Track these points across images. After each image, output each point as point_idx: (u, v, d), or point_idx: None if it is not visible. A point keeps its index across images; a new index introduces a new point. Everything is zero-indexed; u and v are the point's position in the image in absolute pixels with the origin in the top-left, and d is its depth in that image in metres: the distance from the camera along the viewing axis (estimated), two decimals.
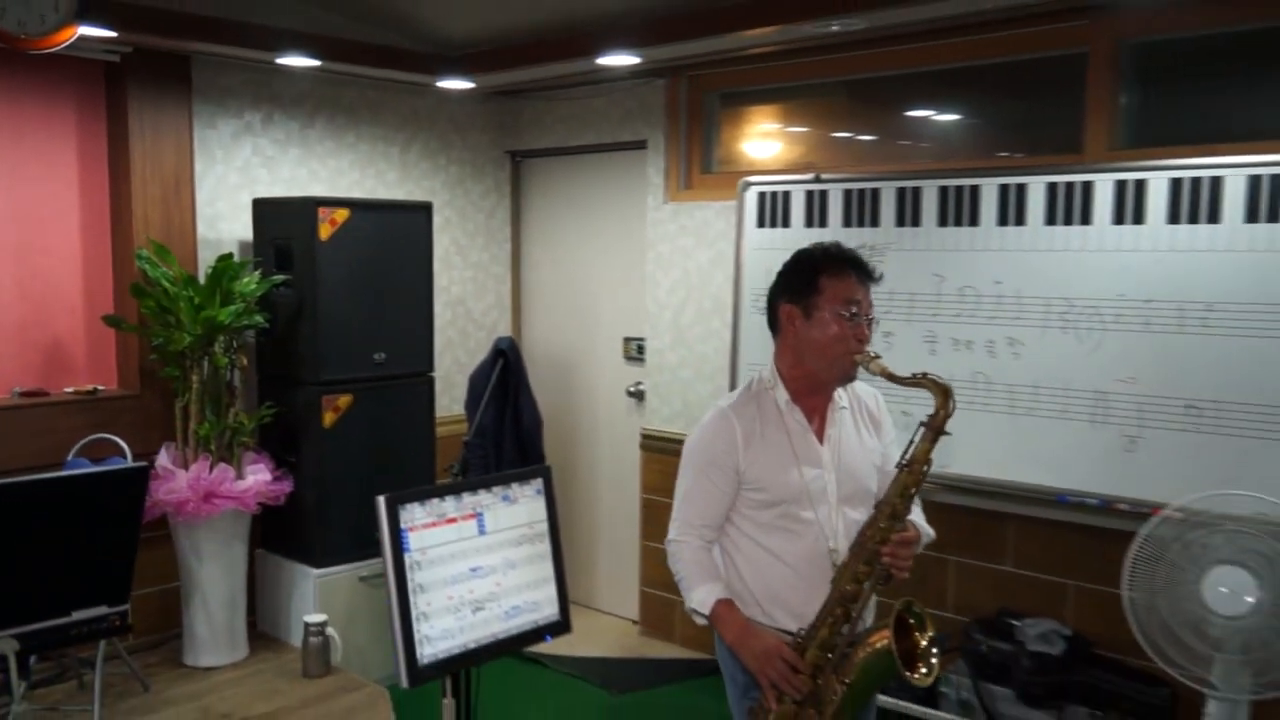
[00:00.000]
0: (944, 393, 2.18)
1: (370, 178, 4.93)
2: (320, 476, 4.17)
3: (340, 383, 4.19)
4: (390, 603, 2.39)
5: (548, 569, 2.78)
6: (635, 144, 4.88)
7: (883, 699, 3.88)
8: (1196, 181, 2.99)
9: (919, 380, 2.21)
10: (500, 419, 4.42)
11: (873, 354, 2.22)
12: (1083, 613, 3.62)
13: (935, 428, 2.18)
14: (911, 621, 2.21)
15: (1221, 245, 2.95)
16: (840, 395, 2.39)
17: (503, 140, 5.45)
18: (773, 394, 2.36)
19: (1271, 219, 2.87)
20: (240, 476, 3.98)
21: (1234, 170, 2.93)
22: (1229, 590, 2.64)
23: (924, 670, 2.17)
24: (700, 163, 4.73)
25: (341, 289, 4.15)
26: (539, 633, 2.76)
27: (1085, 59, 3.59)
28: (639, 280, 4.94)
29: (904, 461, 2.20)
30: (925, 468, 2.19)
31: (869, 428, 2.44)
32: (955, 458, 3.43)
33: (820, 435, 2.36)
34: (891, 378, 2.21)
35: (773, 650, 2.23)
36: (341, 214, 4.13)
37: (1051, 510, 3.57)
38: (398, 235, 4.34)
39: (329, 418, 4.16)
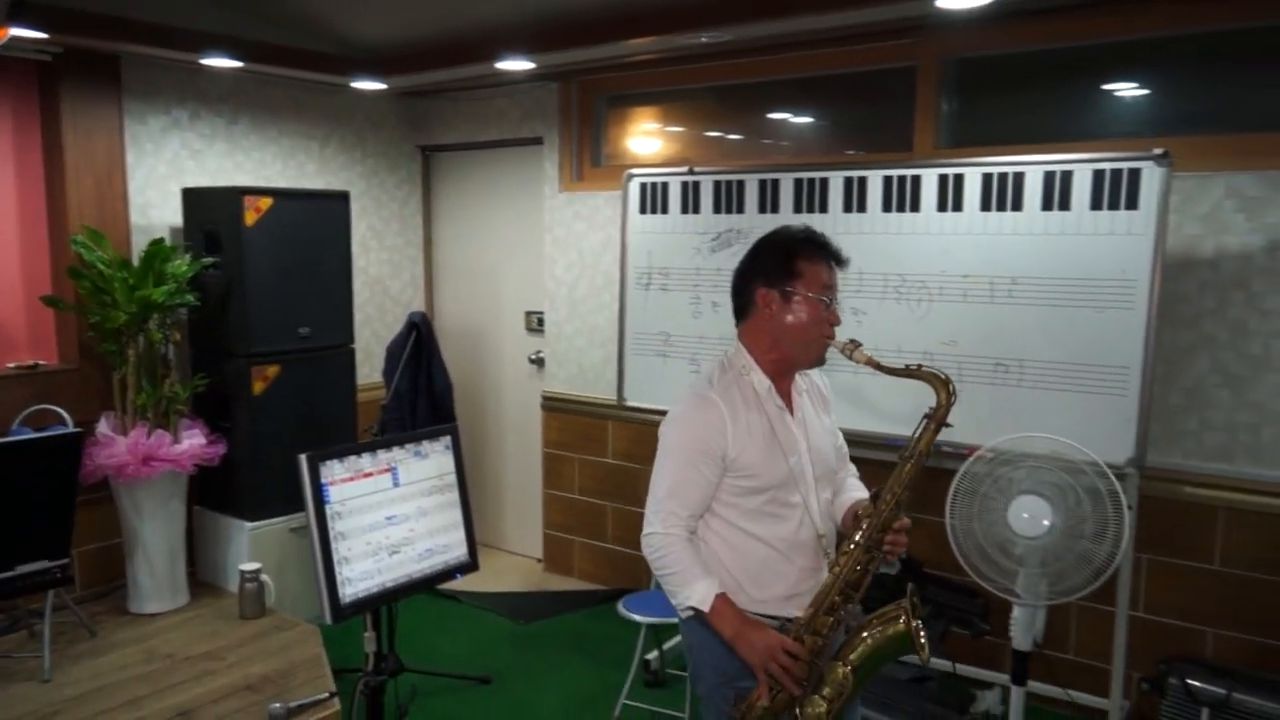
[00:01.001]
0: (944, 385, 1.98)
1: (292, 169, 4.77)
2: (251, 439, 4.05)
3: (268, 354, 4.07)
4: (313, 549, 2.36)
5: (457, 515, 2.78)
6: (533, 140, 4.83)
7: None
8: (1004, 176, 3.10)
9: (913, 372, 2.00)
10: (414, 384, 4.35)
11: (854, 343, 2.02)
12: (915, 539, 3.72)
13: (939, 420, 1.97)
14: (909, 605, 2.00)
15: (1023, 230, 3.07)
16: (797, 378, 2.16)
17: (414, 136, 5.33)
18: (750, 378, 2.07)
19: (1063, 207, 3.00)
20: (176, 441, 3.84)
21: (1033, 166, 3.04)
22: (1029, 516, 2.76)
23: (924, 646, 1.95)
24: (590, 157, 4.72)
25: (267, 270, 4.02)
26: (450, 572, 2.77)
27: (914, 71, 3.69)
28: (538, 260, 4.91)
29: (908, 453, 1.97)
30: (926, 458, 1.99)
31: (822, 408, 2.22)
32: None
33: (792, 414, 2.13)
34: (879, 368, 2.03)
35: (775, 645, 1.95)
36: (265, 202, 3.99)
37: (889, 454, 3.70)
38: (318, 221, 4.22)
39: (258, 386, 4.04)
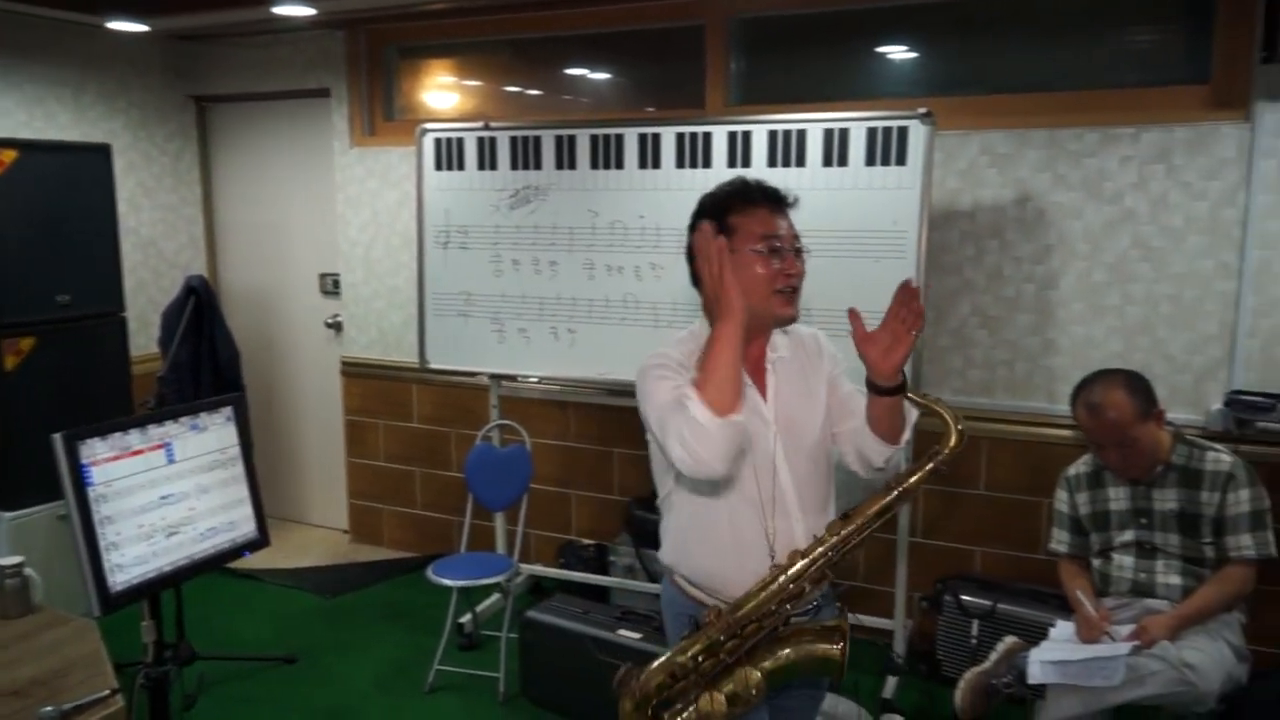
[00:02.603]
0: (956, 427, 1.77)
1: (40, 119, 4.28)
2: (5, 420, 3.65)
3: (20, 325, 3.66)
4: (75, 536, 2.17)
5: (242, 490, 2.63)
6: (319, 92, 4.56)
7: (566, 573, 4.03)
8: (788, 133, 3.20)
9: (931, 403, 1.79)
10: (196, 354, 4.07)
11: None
12: None
13: (942, 463, 1.77)
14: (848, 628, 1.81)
15: (806, 185, 3.18)
16: (778, 343, 1.92)
17: (185, 85, 4.91)
18: None
19: (841, 164, 3.14)
20: None
21: (814, 124, 3.16)
22: None
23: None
24: (382, 111, 4.52)
25: (14, 231, 3.60)
26: (238, 550, 2.62)
27: (703, 30, 3.75)
28: (331, 220, 4.68)
29: (896, 487, 1.76)
30: (910, 496, 1.81)
31: (814, 374, 1.94)
32: (613, 366, 3.56)
33: (762, 390, 1.88)
34: (905, 393, 1.79)
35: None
36: (8, 155, 3.56)
37: None
38: (75, 177, 3.81)
39: (10, 361, 3.63)
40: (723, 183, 1.92)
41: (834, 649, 1.75)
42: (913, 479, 1.76)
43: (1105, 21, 3.34)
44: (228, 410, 2.60)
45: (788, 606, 1.75)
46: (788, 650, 1.76)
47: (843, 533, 1.75)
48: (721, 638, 1.74)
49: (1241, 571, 2.51)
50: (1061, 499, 2.77)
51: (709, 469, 1.68)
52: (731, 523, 1.85)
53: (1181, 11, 3.32)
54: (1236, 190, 3.10)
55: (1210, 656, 2.39)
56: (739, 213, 1.85)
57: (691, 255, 1.89)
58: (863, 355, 1.77)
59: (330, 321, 4.81)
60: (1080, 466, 2.76)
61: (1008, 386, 3.46)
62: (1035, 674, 2.49)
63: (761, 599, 1.74)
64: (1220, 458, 2.56)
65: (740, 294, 1.72)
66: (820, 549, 1.75)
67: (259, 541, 2.64)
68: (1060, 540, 2.77)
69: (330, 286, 4.79)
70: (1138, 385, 2.60)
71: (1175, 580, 2.57)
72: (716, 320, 1.73)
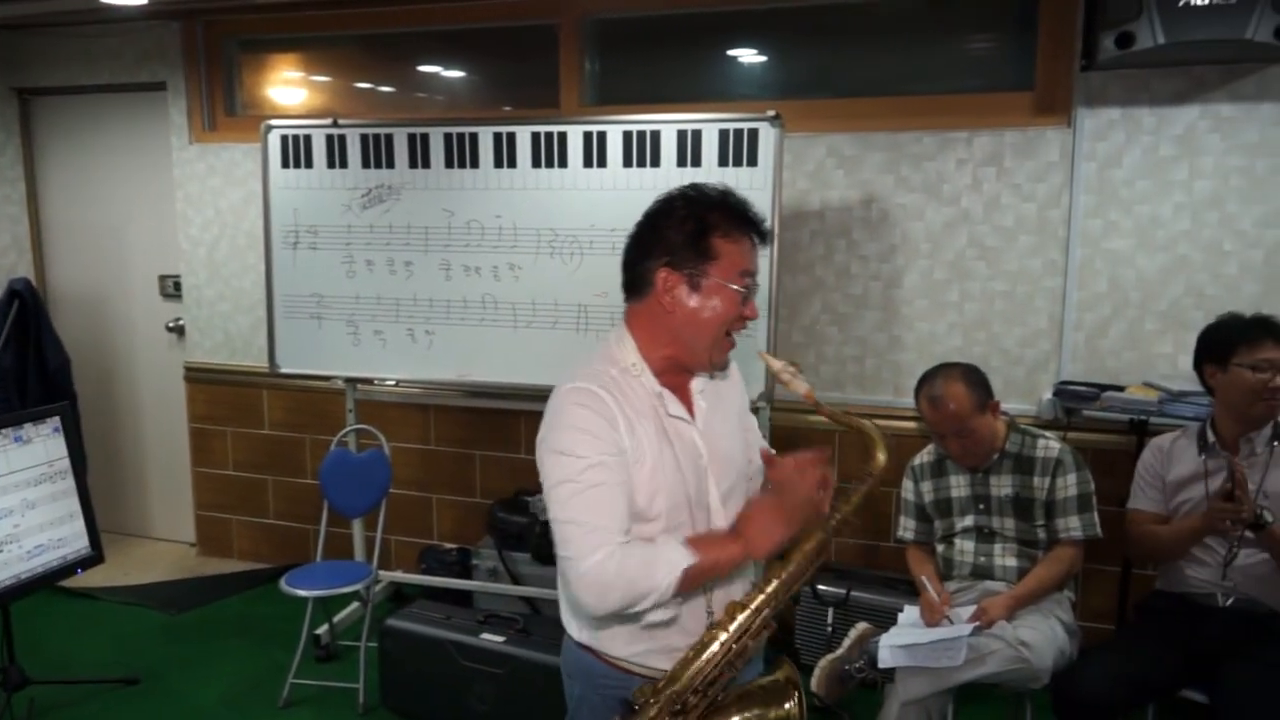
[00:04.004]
0: (884, 445, 1.67)
1: None
2: None
3: None
4: None
5: (73, 505, 2.47)
6: (155, 85, 4.31)
7: (427, 578, 3.95)
8: (642, 134, 3.21)
9: (855, 422, 1.69)
10: (22, 361, 3.78)
11: (794, 366, 1.68)
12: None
13: (875, 482, 1.68)
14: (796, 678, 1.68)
15: (662, 185, 3.05)
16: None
17: (6, 76, 4.55)
18: (641, 380, 1.62)
19: (695, 164, 3.18)
20: None
21: (668, 125, 3.19)
22: None
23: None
24: (224, 106, 4.31)
25: None
26: (70, 568, 2.46)
27: (557, 30, 3.74)
28: (171, 219, 4.42)
29: (833, 518, 1.64)
30: (847, 524, 1.68)
31: (731, 402, 1.76)
32: (472, 368, 3.50)
33: (691, 415, 1.67)
34: (819, 408, 1.69)
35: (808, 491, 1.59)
36: None
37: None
38: None
39: None
40: (705, 187, 1.64)
41: (788, 708, 1.58)
42: (847, 508, 1.66)
43: (942, 30, 3.51)
44: (55, 421, 2.44)
45: (734, 667, 1.56)
46: (740, 716, 1.58)
47: (783, 575, 1.59)
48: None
49: (1070, 552, 2.67)
50: (908, 488, 2.89)
51: (606, 610, 1.51)
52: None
53: (1009, 22, 3.52)
54: (1061, 191, 3.31)
55: (1043, 634, 2.53)
56: (727, 236, 1.59)
57: (630, 259, 1.64)
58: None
59: (172, 325, 4.55)
60: (925, 456, 2.88)
61: (857, 381, 3.59)
62: (885, 658, 2.57)
63: (701, 664, 1.54)
64: (1050, 444, 2.72)
65: (790, 532, 1.56)
66: (760, 598, 1.58)
67: (92, 558, 2.49)
68: (907, 528, 2.89)
69: (171, 289, 4.54)
70: (975, 378, 2.73)
71: (1012, 562, 2.72)
72: (739, 539, 1.55)
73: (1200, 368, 2.60)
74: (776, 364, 1.67)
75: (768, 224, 1.66)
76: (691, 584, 1.53)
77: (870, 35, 3.61)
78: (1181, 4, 2.81)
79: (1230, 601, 2.52)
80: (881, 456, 1.66)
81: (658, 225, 1.61)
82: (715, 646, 1.55)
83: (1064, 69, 3.28)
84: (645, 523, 1.57)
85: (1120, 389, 3.19)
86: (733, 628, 1.56)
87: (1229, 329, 2.53)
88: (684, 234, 1.58)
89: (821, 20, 3.63)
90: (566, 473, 1.52)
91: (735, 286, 1.58)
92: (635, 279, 1.64)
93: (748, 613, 1.57)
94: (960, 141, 3.38)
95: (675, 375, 1.66)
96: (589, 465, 1.51)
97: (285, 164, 3.62)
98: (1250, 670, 2.36)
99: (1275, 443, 2.51)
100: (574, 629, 1.70)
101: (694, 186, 1.64)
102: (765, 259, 3.10)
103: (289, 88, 4.37)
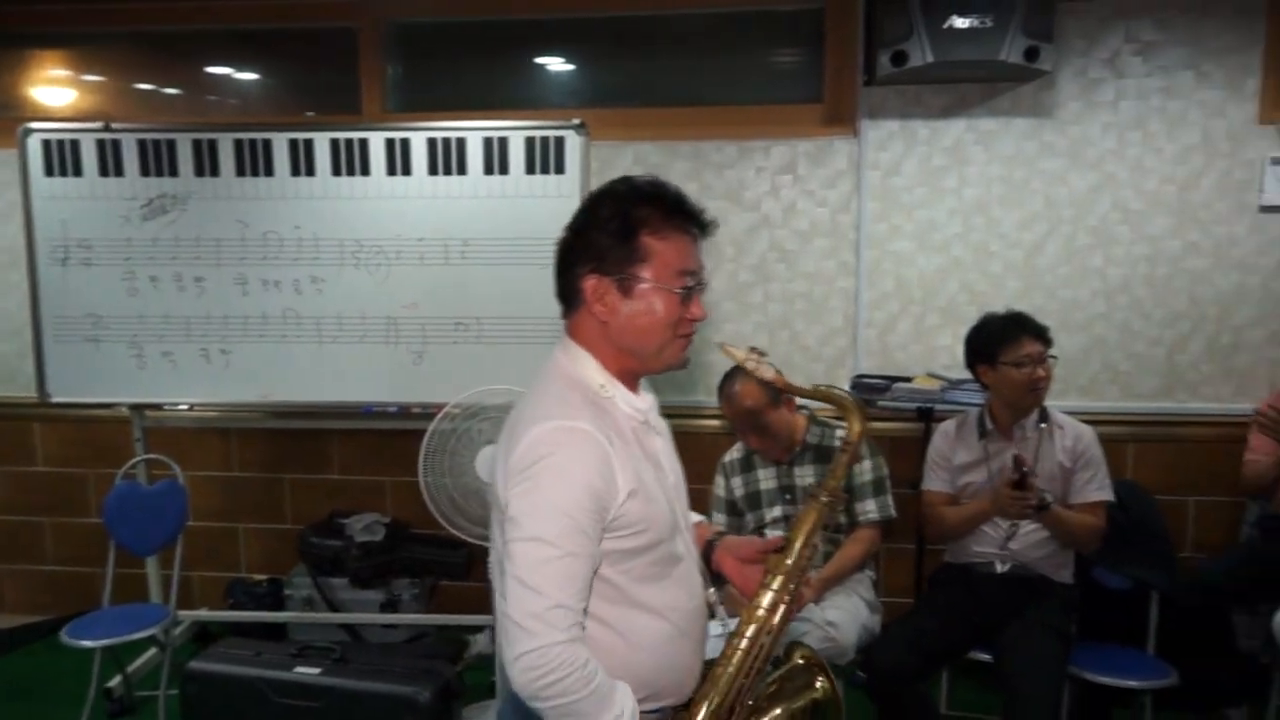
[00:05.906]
0: (858, 412, 1.63)
1: None
2: None
3: None
4: None
5: None
6: None
7: (235, 614, 3.69)
8: (448, 141, 3.15)
9: (824, 394, 1.65)
10: None
11: (759, 352, 1.57)
12: (399, 501, 3.77)
13: (853, 451, 1.63)
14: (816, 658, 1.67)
15: (469, 193, 3.16)
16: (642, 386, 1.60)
17: None
18: (614, 396, 1.50)
19: (503, 172, 3.14)
20: None
21: (474, 132, 3.14)
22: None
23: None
24: None
25: None
26: None
27: (357, 33, 3.60)
28: None
29: (822, 495, 1.59)
30: (839, 497, 1.64)
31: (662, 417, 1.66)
32: (275, 387, 3.31)
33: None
34: (789, 388, 1.65)
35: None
36: None
37: (362, 421, 3.66)
38: None
39: None
40: (633, 179, 1.48)
41: (820, 687, 1.56)
42: (834, 480, 1.63)
43: (742, 44, 3.65)
44: None
45: (768, 668, 1.53)
46: (777, 712, 1.54)
47: (788, 563, 1.55)
48: None
49: (869, 533, 2.84)
50: (719, 484, 2.97)
51: (531, 692, 1.35)
52: (683, 603, 1.53)
53: (801, 37, 3.70)
54: (850, 198, 3.52)
55: (848, 612, 2.68)
56: (656, 233, 1.44)
57: (558, 268, 1.51)
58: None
59: None
60: (734, 453, 2.98)
61: (673, 382, 3.65)
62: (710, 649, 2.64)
63: (730, 676, 1.49)
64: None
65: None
66: (773, 590, 1.54)
67: None
68: (717, 523, 2.97)
69: None
70: None
71: (818, 547, 2.86)
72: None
73: (973, 367, 2.83)
74: (740, 354, 1.58)
75: (708, 214, 1.51)
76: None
77: (674, 47, 3.70)
78: (946, 26, 3.06)
79: (1007, 568, 2.77)
80: (857, 426, 1.63)
81: (581, 228, 1.47)
82: (739, 654, 1.51)
83: (849, 83, 3.48)
84: (644, 540, 1.46)
85: (908, 380, 3.43)
86: (750, 631, 1.53)
87: (990, 330, 2.78)
88: (610, 235, 1.43)
89: (627, 31, 3.69)
90: (545, 532, 1.36)
91: (672, 288, 1.45)
92: (565, 289, 1.50)
93: (764, 609, 1.54)
94: (759, 150, 3.52)
95: (632, 382, 1.55)
96: (574, 530, 1.36)
97: (50, 172, 3.29)
98: (1023, 628, 2.62)
99: (1042, 424, 2.77)
100: None
101: (623, 180, 1.48)
102: None
103: (54, 88, 3.98)
